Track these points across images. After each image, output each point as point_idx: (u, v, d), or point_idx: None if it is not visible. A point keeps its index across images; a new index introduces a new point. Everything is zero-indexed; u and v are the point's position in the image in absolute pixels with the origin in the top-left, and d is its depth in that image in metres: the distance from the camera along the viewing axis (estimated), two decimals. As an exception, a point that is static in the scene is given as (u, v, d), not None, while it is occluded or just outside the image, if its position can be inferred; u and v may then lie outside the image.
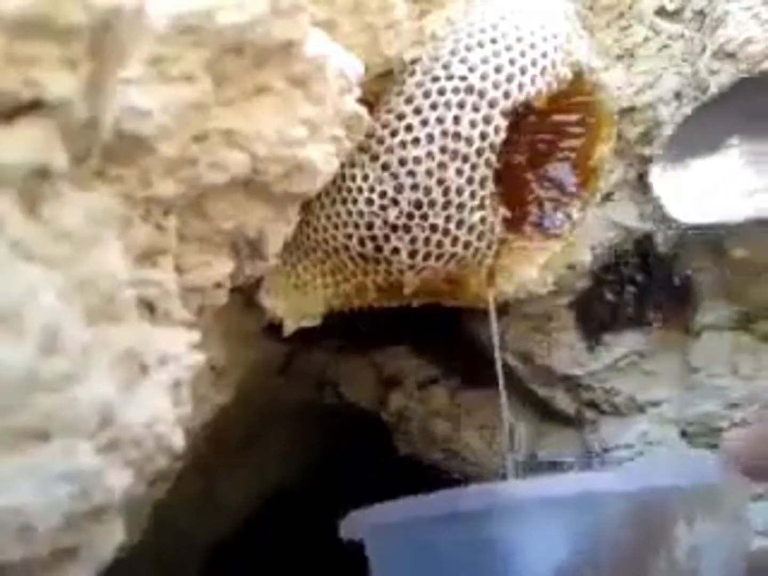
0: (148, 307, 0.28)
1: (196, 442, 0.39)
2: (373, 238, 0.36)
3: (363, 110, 0.33)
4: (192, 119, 0.27)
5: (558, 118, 0.38)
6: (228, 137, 0.28)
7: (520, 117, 0.36)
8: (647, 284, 0.48)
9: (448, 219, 0.35)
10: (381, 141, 0.35)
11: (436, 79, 0.35)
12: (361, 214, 0.36)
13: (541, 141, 0.38)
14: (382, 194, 0.35)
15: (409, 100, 0.35)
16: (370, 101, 0.36)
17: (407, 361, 0.59)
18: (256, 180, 0.30)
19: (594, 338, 0.49)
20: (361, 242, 0.36)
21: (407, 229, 0.35)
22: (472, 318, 0.51)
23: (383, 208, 0.35)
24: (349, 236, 0.36)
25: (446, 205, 0.35)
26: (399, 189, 0.35)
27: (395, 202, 0.35)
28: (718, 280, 0.47)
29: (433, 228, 0.35)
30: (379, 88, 0.36)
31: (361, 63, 0.32)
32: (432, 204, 0.35)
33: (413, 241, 0.36)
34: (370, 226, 0.36)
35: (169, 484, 0.42)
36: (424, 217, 0.35)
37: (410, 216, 0.35)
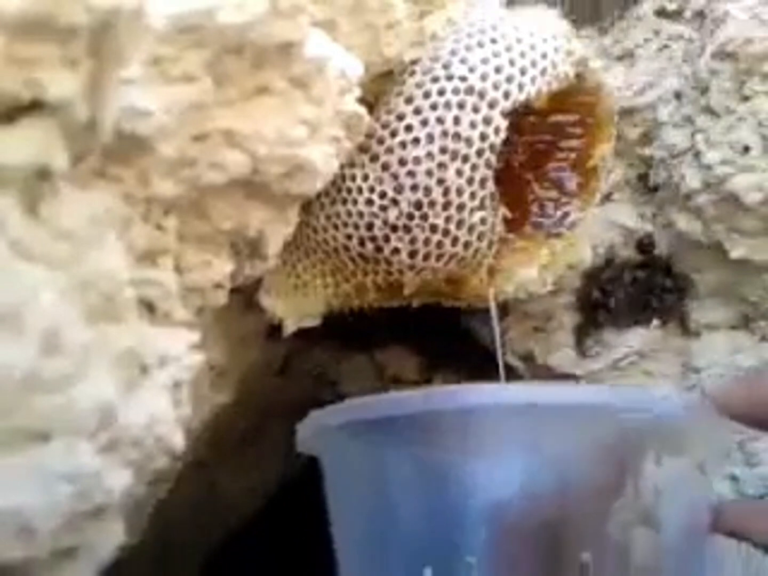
0: (148, 308, 0.28)
1: (197, 442, 0.39)
2: (373, 239, 0.36)
3: (363, 110, 0.33)
4: (192, 119, 0.27)
5: (558, 118, 0.38)
6: (228, 137, 0.28)
7: (520, 117, 0.36)
8: (647, 284, 0.48)
9: (448, 219, 0.35)
10: (381, 141, 0.35)
11: (436, 79, 0.35)
12: (360, 214, 0.36)
13: (541, 141, 0.38)
14: (382, 194, 0.35)
15: (409, 101, 0.35)
16: (370, 101, 0.36)
17: (407, 361, 0.59)
18: (256, 180, 0.30)
19: (594, 338, 0.49)
20: (361, 242, 0.36)
21: (407, 229, 0.35)
22: (472, 318, 0.51)
23: (383, 208, 0.35)
24: (349, 236, 0.36)
25: (446, 206, 0.35)
26: (399, 189, 0.35)
27: (395, 202, 0.35)
28: (718, 280, 0.47)
29: (433, 228, 0.35)
30: (379, 88, 0.36)
31: (360, 63, 0.32)
32: (432, 204, 0.35)
33: (413, 241, 0.36)
34: (370, 227, 0.36)
35: (170, 484, 0.42)
36: (424, 217, 0.35)
37: (410, 216, 0.35)
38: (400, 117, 0.35)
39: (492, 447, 0.27)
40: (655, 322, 0.49)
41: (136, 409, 0.25)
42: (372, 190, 0.35)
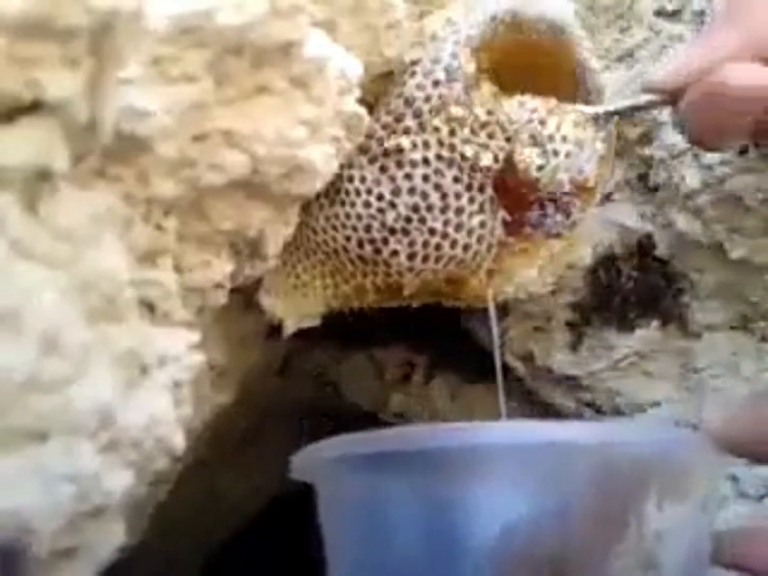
0: (149, 308, 0.28)
1: (197, 442, 0.39)
2: (372, 241, 0.36)
3: (363, 111, 0.33)
4: (192, 119, 0.27)
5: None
6: (228, 138, 0.28)
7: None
8: (647, 284, 0.48)
9: (446, 223, 0.35)
10: (380, 142, 0.35)
11: (437, 83, 0.35)
12: (359, 216, 0.36)
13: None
14: (380, 197, 0.35)
15: (409, 102, 0.35)
16: (370, 102, 0.36)
17: (407, 361, 0.59)
18: (256, 180, 0.30)
19: (594, 338, 0.49)
20: (360, 244, 0.36)
21: (405, 232, 0.35)
22: (472, 318, 0.51)
23: (381, 210, 0.35)
24: (348, 238, 0.36)
25: (444, 210, 0.35)
26: (396, 192, 0.35)
27: (392, 205, 0.35)
28: (719, 280, 0.47)
29: (432, 231, 0.35)
30: (379, 88, 0.36)
31: (360, 63, 0.32)
32: (429, 208, 0.35)
33: (412, 244, 0.36)
34: (368, 229, 0.36)
35: (170, 484, 0.42)
36: (422, 220, 0.35)
37: (408, 219, 0.35)
38: (400, 119, 0.35)
39: (494, 485, 0.27)
40: (655, 322, 0.49)
41: (136, 409, 0.25)
42: (369, 192, 0.35)
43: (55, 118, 0.22)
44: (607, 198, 0.47)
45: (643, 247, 0.48)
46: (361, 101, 0.33)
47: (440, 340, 0.57)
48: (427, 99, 0.35)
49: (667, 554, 0.26)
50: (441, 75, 0.35)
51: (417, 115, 0.35)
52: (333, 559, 0.30)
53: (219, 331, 0.38)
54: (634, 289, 0.49)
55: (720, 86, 0.29)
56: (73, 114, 0.22)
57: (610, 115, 0.36)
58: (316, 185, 0.32)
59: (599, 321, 0.49)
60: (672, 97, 0.32)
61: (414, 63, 0.36)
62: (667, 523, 0.26)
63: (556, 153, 0.35)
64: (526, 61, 0.37)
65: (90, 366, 0.23)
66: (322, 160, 0.31)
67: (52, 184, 0.23)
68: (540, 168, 0.35)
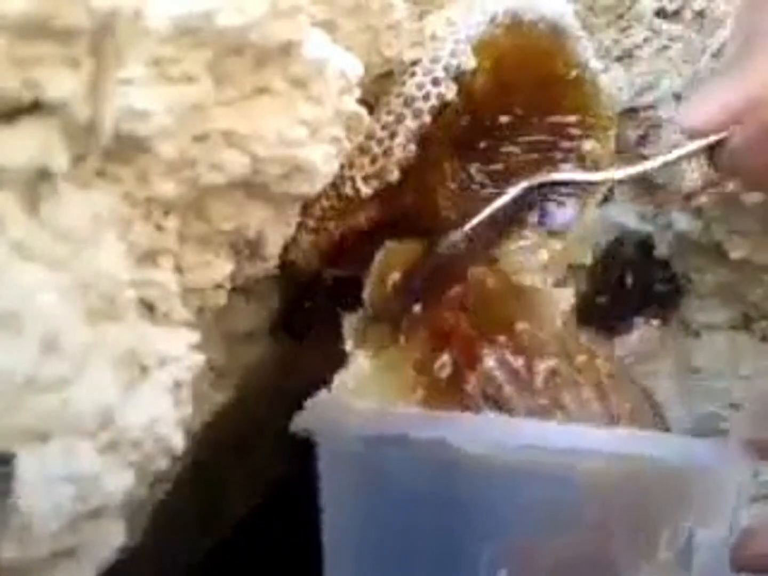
0: (149, 308, 0.28)
1: (194, 440, 0.39)
2: None
3: (363, 111, 0.33)
4: (192, 120, 0.27)
5: (557, 118, 0.38)
6: (228, 138, 0.28)
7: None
8: (647, 285, 0.48)
9: None
10: (380, 142, 0.35)
11: (436, 81, 0.35)
12: None
13: (541, 141, 0.38)
14: None
15: (408, 102, 0.35)
16: (370, 102, 0.35)
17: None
18: (256, 180, 0.30)
19: (594, 338, 0.49)
20: None
21: None
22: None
23: None
24: None
25: None
26: None
27: None
28: (718, 280, 0.47)
29: None
30: (379, 88, 0.36)
31: (360, 63, 0.32)
32: None
33: None
34: None
35: (169, 485, 0.42)
36: None
37: None
38: (400, 119, 0.35)
39: (517, 487, 0.25)
40: (655, 322, 0.49)
41: (136, 409, 0.25)
42: None
43: (55, 118, 0.22)
44: (607, 198, 0.47)
45: (643, 247, 0.48)
46: (361, 101, 0.33)
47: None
48: (427, 98, 0.35)
49: (695, 570, 0.26)
50: (440, 74, 0.35)
51: (417, 114, 0.35)
52: (332, 537, 0.30)
53: (219, 331, 0.38)
54: (634, 289, 0.49)
55: None
56: (73, 114, 0.22)
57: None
58: (316, 185, 0.32)
59: (599, 321, 0.49)
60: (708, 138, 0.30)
61: (414, 63, 0.36)
62: (699, 540, 0.26)
63: None
64: (526, 62, 0.37)
65: (90, 366, 0.23)
66: (322, 160, 0.31)
67: (52, 184, 0.23)
68: None
